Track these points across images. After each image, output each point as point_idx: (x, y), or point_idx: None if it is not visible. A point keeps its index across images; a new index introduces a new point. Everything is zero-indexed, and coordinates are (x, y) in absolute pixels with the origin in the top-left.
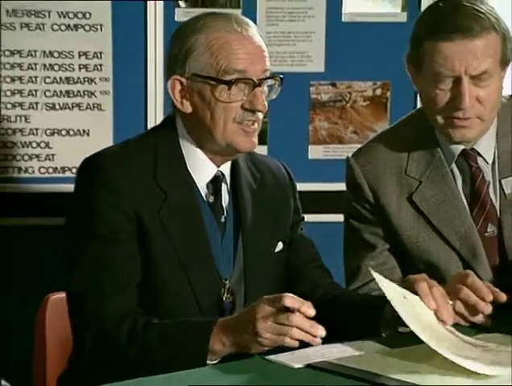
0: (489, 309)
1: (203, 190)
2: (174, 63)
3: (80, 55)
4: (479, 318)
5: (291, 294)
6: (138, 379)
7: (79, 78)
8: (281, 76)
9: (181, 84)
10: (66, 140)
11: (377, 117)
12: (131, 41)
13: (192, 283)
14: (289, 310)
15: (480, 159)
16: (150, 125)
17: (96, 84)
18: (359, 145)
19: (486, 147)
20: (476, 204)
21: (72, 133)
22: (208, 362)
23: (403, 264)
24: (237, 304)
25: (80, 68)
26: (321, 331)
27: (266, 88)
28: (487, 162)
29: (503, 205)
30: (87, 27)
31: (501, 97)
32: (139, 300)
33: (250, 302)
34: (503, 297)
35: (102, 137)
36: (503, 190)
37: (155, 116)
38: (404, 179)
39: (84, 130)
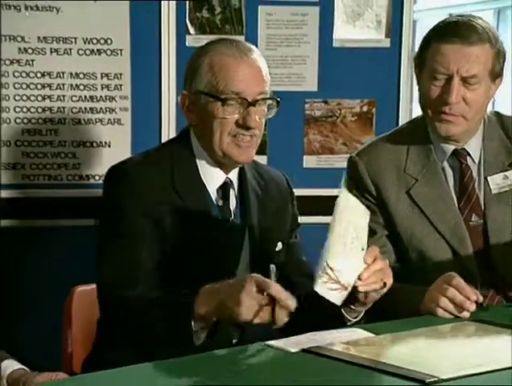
0: (473, 306)
1: (213, 195)
2: (184, 81)
3: (102, 77)
4: (464, 314)
5: (278, 285)
6: (153, 362)
7: (101, 96)
8: (277, 98)
9: (189, 98)
10: (90, 151)
11: (364, 130)
12: (147, 64)
13: (204, 275)
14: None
15: (468, 158)
16: (165, 138)
17: (116, 101)
18: (347, 156)
19: (474, 148)
20: (463, 197)
21: (95, 144)
22: (195, 327)
23: (397, 251)
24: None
25: (102, 88)
26: (292, 303)
27: (264, 108)
28: (474, 162)
29: (488, 199)
30: (108, 52)
31: (486, 104)
32: (157, 289)
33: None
34: (480, 298)
35: (121, 149)
36: (489, 186)
37: (169, 130)
38: (402, 176)
39: (105, 142)
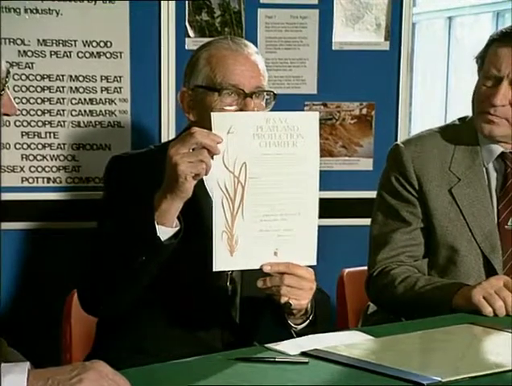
0: None
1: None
2: (184, 78)
3: (102, 79)
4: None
5: (199, 129)
6: (154, 365)
7: (101, 99)
8: (273, 91)
9: (188, 95)
10: (90, 153)
11: (363, 133)
12: (147, 67)
13: (204, 276)
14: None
15: None
16: (164, 139)
17: (116, 104)
18: (347, 158)
19: None
20: (504, 199)
21: (95, 147)
22: (162, 227)
23: (428, 245)
24: (238, 291)
25: (101, 91)
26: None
27: (262, 102)
28: None
29: None
30: (108, 55)
31: None
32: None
33: (245, 288)
34: None
35: (121, 151)
36: None
37: (168, 133)
38: (446, 173)
39: (105, 145)
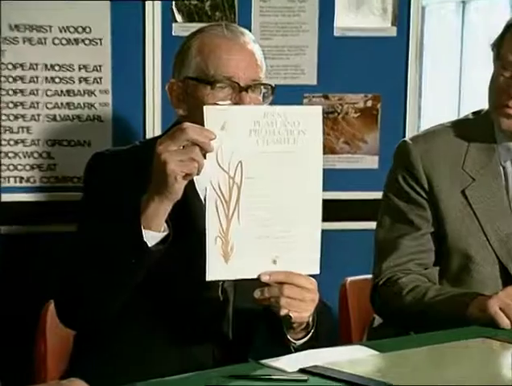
0: None
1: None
2: (173, 68)
3: (80, 69)
4: None
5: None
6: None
7: (79, 90)
8: (272, 85)
9: (177, 86)
10: (67, 150)
11: (368, 128)
12: (130, 54)
13: (194, 286)
14: None
15: None
16: (149, 135)
17: (95, 96)
18: (350, 155)
19: None
20: None
21: (72, 143)
22: (149, 231)
23: (439, 251)
24: (230, 302)
25: (80, 81)
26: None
27: (258, 96)
28: None
29: None
30: (87, 41)
31: None
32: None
33: (238, 299)
34: None
35: (102, 148)
36: None
37: (153, 127)
38: (459, 173)
39: (84, 141)
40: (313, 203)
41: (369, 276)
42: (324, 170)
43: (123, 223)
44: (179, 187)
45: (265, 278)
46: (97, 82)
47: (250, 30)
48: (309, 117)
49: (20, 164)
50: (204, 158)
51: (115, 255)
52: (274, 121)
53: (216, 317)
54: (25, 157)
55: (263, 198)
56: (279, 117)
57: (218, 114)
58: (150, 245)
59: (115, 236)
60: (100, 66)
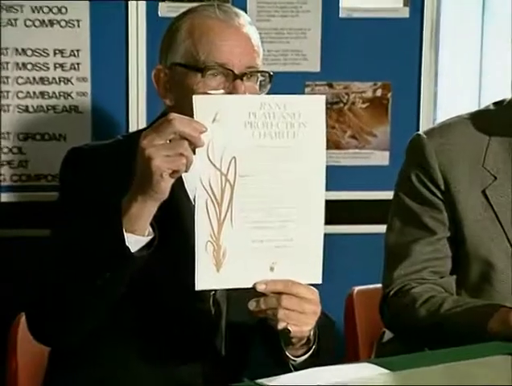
0: None
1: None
2: (160, 52)
3: (55, 53)
4: None
5: (178, 115)
6: None
7: (54, 78)
8: (269, 72)
9: (164, 73)
10: (40, 145)
11: (378, 120)
12: (111, 38)
13: (182, 297)
14: None
15: None
16: (132, 128)
17: (72, 84)
18: (357, 151)
19: None
20: None
21: (46, 137)
22: (132, 235)
23: (456, 258)
24: (223, 314)
25: (55, 67)
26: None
27: (255, 84)
28: None
29: None
30: (63, 23)
31: None
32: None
33: (232, 311)
34: None
35: (80, 142)
36: None
37: (137, 119)
38: (479, 171)
39: (60, 134)
40: (315, 203)
41: (379, 285)
42: (327, 167)
43: (103, 226)
44: (165, 186)
45: (261, 288)
46: (75, 69)
47: (246, 11)
48: (311, 107)
49: None
50: (194, 153)
51: (93, 262)
52: (272, 113)
53: (206, 331)
54: None
55: (259, 198)
56: (278, 108)
57: (209, 104)
58: (133, 251)
59: (94, 240)
60: (77, 50)
